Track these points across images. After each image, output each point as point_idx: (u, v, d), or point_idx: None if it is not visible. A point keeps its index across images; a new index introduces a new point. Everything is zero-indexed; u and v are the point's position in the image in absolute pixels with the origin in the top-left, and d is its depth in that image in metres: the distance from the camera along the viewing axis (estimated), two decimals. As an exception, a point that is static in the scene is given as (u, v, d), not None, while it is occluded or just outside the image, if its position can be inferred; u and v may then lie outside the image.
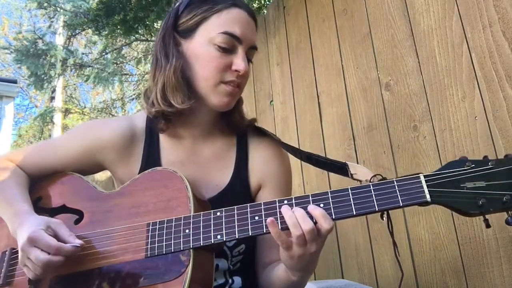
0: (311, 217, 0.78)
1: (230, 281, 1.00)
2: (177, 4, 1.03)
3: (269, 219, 0.78)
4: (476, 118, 1.39)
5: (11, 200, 0.96)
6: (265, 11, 2.84)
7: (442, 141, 1.49)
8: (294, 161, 1.13)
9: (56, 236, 0.87)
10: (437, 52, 1.54)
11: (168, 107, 0.95)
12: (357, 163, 1.84)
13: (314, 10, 2.21)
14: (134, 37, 4.21)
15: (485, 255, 1.34)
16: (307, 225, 0.77)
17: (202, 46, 0.96)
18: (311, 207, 0.79)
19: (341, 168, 0.92)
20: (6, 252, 0.99)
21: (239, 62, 0.95)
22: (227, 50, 0.95)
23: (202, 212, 0.85)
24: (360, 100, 1.87)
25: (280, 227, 0.78)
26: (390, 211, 0.81)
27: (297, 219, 0.78)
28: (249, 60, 0.99)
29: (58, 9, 5.12)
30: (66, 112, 9.20)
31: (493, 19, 1.37)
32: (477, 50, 1.41)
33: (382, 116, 1.74)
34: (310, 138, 2.16)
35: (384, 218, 0.82)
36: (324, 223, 0.77)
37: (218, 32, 0.94)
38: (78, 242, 0.87)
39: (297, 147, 2.21)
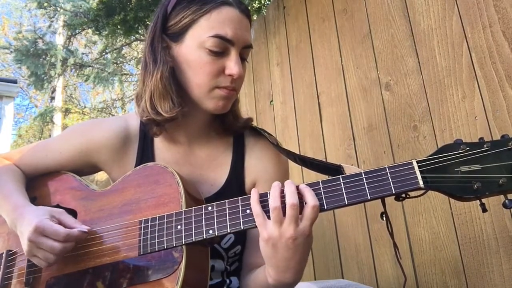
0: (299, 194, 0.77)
1: (227, 281, 1.00)
2: (164, 3, 0.98)
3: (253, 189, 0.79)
4: (476, 118, 1.39)
5: (8, 195, 0.96)
6: (265, 11, 2.84)
7: (442, 141, 1.49)
8: (294, 161, 1.13)
9: (60, 224, 0.87)
10: (437, 52, 1.54)
11: (157, 115, 0.93)
12: (357, 163, 1.84)
13: (314, 10, 2.21)
14: (134, 37, 4.21)
15: (485, 255, 1.34)
16: (291, 199, 0.75)
17: (193, 51, 0.92)
18: (302, 185, 0.78)
19: (336, 170, 0.90)
20: (3, 255, 0.99)
21: (232, 65, 0.90)
22: (219, 53, 0.90)
23: (193, 208, 0.84)
24: (360, 100, 1.87)
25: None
26: (389, 213, 0.80)
27: (278, 193, 0.76)
28: (244, 59, 0.96)
29: (58, 9, 5.12)
30: (66, 112, 9.20)
31: (493, 19, 1.37)
32: (477, 50, 1.41)
33: (382, 116, 1.74)
34: (310, 138, 2.16)
35: (383, 219, 0.82)
36: (310, 200, 0.75)
37: (208, 36, 0.89)
38: (84, 227, 0.88)
39: (297, 147, 2.22)
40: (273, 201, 0.76)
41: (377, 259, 1.71)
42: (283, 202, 0.76)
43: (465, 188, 0.72)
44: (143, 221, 0.87)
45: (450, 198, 0.76)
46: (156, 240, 0.84)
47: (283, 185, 0.79)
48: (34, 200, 1.03)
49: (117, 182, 0.97)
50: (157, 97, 0.93)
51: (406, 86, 1.65)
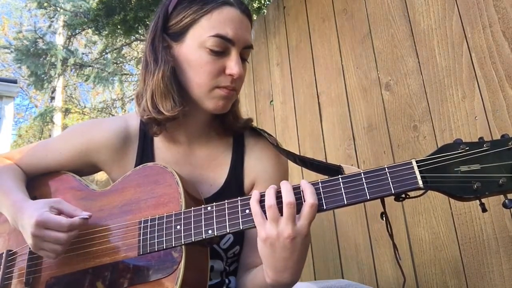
0: (298, 193, 0.77)
1: (226, 281, 1.00)
2: (165, 3, 0.99)
3: (255, 192, 0.79)
4: (476, 118, 1.39)
5: (7, 192, 0.97)
6: (265, 11, 2.84)
7: (442, 141, 1.49)
8: (294, 161, 1.13)
9: (61, 213, 0.88)
10: (437, 52, 1.54)
11: (158, 114, 0.93)
12: (357, 163, 1.84)
13: (314, 10, 2.21)
14: (134, 37, 4.21)
15: (485, 255, 1.34)
16: (287, 197, 0.75)
17: (193, 50, 0.92)
18: (304, 182, 0.78)
19: (336, 171, 0.90)
20: (3, 255, 0.99)
21: (232, 65, 0.91)
22: (220, 53, 0.91)
23: (193, 208, 0.85)
24: (360, 100, 1.87)
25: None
26: (389, 213, 0.80)
27: (274, 192, 0.76)
28: (244, 59, 0.96)
29: (58, 9, 5.12)
30: (66, 112, 9.20)
31: (493, 19, 1.37)
32: (477, 50, 1.41)
33: (382, 116, 1.74)
34: (310, 138, 2.16)
35: (383, 219, 0.81)
36: (309, 198, 0.75)
37: (209, 36, 0.90)
38: (85, 214, 0.89)
39: (297, 147, 2.22)
40: (269, 200, 0.76)
41: (377, 259, 1.71)
42: (280, 202, 0.76)
43: (464, 188, 0.71)
44: (142, 221, 0.87)
45: (450, 198, 0.76)
46: (156, 240, 0.85)
47: (279, 187, 0.79)
48: (34, 199, 1.03)
49: (117, 182, 0.97)
50: (158, 96, 0.93)
51: (406, 86, 1.65)
